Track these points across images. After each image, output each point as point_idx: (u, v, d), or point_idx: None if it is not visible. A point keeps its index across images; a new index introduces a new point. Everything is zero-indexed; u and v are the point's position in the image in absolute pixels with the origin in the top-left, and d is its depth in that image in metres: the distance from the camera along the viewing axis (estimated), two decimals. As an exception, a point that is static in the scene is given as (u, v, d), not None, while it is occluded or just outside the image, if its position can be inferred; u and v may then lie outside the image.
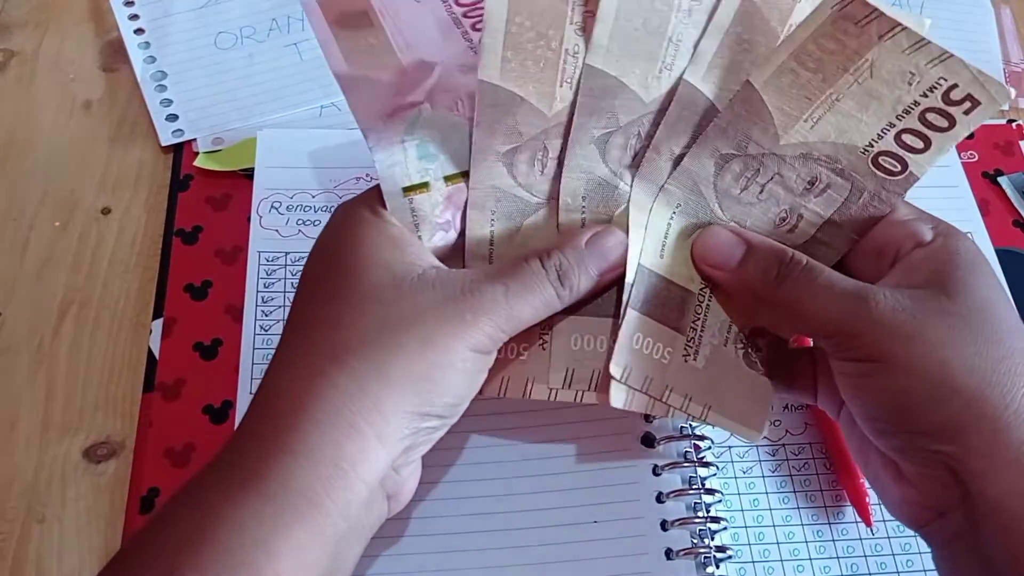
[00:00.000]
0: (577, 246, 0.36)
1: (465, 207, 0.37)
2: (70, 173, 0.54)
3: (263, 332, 0.48)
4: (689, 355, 0.37)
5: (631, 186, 0.38)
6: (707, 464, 0.45)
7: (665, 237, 0.38)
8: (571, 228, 0.38)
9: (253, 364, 0.47)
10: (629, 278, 0.37)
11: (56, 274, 0.50)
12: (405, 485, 0.35)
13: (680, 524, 0.43)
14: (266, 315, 0.48)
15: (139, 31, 0.60)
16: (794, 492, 0.45)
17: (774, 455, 0.46)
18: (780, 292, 0.35)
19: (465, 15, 0.36)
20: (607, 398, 0.37)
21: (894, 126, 0.35)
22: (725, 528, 0.43)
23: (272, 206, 0.52)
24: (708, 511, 0.43)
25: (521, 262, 0.35)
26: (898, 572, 0.44)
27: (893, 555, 0.44)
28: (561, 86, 0.36)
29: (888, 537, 0.44)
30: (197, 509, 0.31)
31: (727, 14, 0.37)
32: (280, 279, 0.50)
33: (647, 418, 0.46)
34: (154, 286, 0.50)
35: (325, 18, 0.34)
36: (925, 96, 0.35)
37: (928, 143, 0.35)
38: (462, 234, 0.38)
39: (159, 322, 0.48)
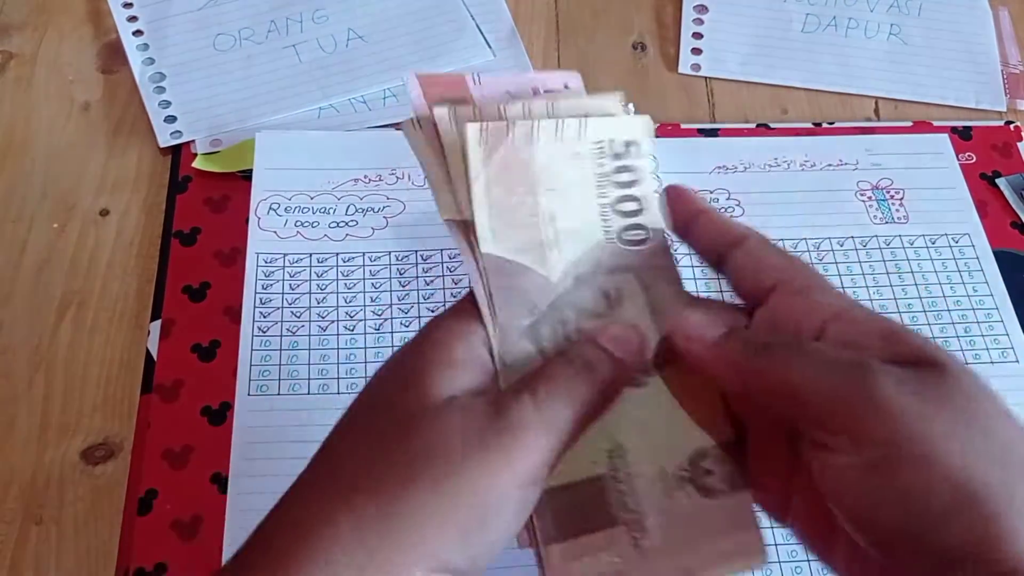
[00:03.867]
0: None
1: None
2: (68, 175, 0.54)
3: (261, 334, 0.48)
4: (640, 537, 0.33)
5: None
6: (705, 465, 0.44)
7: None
8: None
9: (251, 365, 0.47)
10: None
11: (54, 275, 0.50)
12: None
13: (678, 526, 0.43)
14: (264, 316, 0.48)
15: (138, 32, 0.60)
16: (792, 493, 0.45)
17: (772, 456, 0.46)
18: (765, 361, 0.29)
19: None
20: None
21: (605, 203, 0.34)
22: (723, 529, 0.43)
23: (271, 207, 0.52)
24: (706, 513, 0.43)
25: (541, 367, 0.31)
26: (896, 573, 0.44)
27: (891, 556, 0.44)
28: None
29: (886, 538, 0.44)
30: None
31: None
32: (278, 280, 0.50)
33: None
34: (152, 287, 0.50)
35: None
36: (600, 164, 0.34)
37: (638, 201, 0.34)
38: None
39: (157, 323, 0.48)
